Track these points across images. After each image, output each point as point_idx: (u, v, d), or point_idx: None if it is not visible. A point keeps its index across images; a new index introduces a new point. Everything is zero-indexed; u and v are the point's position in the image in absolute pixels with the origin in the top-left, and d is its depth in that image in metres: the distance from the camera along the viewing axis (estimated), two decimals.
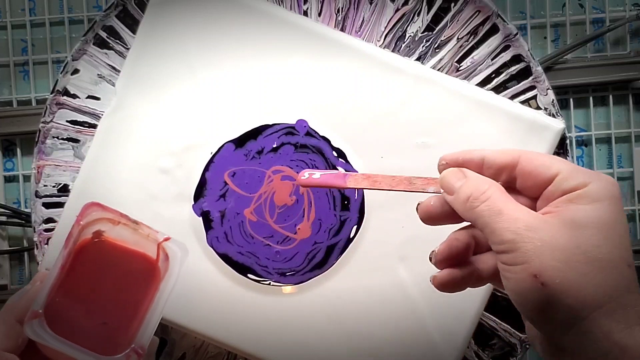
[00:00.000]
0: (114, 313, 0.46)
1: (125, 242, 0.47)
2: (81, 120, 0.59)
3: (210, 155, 0.56)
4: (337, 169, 0.56)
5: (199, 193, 0.56)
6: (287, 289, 0.55)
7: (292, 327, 0.55)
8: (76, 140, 0.58)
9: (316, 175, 0.45)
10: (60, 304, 0.44)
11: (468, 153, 0.40)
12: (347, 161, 0.56)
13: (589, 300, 0.34)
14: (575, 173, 0.37)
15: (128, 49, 0.58)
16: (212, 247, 0.55)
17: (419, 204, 0.41)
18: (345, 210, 0.56)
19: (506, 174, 0.39)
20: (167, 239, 0.47)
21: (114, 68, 0.58)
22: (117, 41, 0.58)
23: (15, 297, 0.45)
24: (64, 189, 0.58)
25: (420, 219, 0.41)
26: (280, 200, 0.55)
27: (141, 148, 0.56)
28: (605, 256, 0.35)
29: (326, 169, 0.56)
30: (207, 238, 0.55)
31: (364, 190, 0.56)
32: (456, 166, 0.40)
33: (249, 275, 0.55)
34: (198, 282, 0.55)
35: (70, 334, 0.43)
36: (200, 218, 0.55)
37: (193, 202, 0.56)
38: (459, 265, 0.40)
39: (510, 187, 0.39)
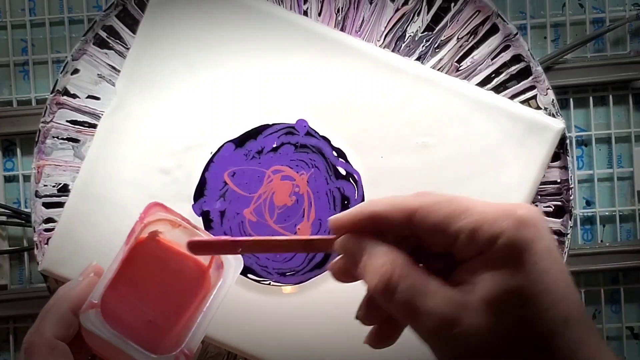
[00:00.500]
0: (161, 313, 0.46)
1: (179, 246, 0.47)
2: (81, 120, 0.58)
3: (210, 155, 0.56)
4: (338, 169, 0.56)
5: (198, 193, 0.56)
6: (287, 289, 0.55)
7: (292, 327, 0.55)
8: (76, 140, 0.58)
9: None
10: (112, 298, 0.44)
11: (357, 213, 0.34)
12: (347, 161, 0.56)
13: None
14: (478, 228, 0.31)
15: (128, 48, 0.57)
16: None
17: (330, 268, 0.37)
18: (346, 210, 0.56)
19: (407, 230, 0.33)
20: None
21: (114, 68, 0.58)
22: (117, 41, 0.58)
23: (67, 287, 0.45)
24: (64, 189, 0.58)
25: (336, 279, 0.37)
26: (280, 201, 0.55)
27: (141, 148, 0.56)
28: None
29: (326, 169, 0.56)
30: None
31: (364, 189, 0.56)
32: (349, 232, 0.35)
33: (249, 275, 0.55)
34: None
35: (119, 329, 0.43)
36: (200, 218, 0.55)
37: (193, 202, 0.56)
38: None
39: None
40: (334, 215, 0.35)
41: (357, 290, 0.54)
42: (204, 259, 0.47)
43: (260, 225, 0.55)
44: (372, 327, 0.37)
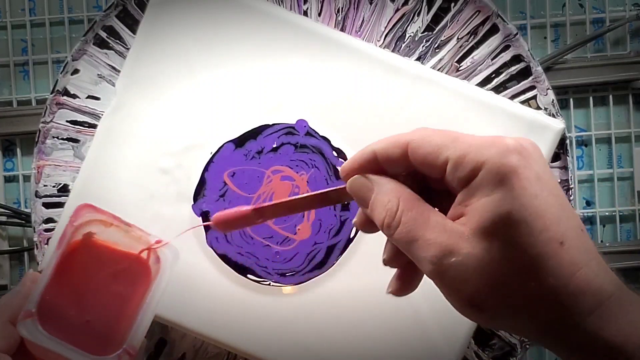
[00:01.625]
0: (104, 313, 0.46)
1: (116, 244, 0.47)
2: (81, 120, 0.58)
3: (210, 155, 0.56)
4: (338, 169, 0.56)
5: (198, 193, 0.56)
6: (287, 289, 0.55)
7: (292, 327, 0.55)
8: (76, 140, 0.58)
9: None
10: (52, 304, 0.44)
11: (360, 155, 0.36)
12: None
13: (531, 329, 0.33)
14: (464, 156, 0.32)
15: (128, 49, 0.58)
16: (211, 247, 0.55)
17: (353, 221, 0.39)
18: (346, 210, 0.56)
19: (407, 165, 0.35)
20: (159, 242, 0.47)
21: (114, 68, 0.58)
22: (117, 41, 0.58)
23: (6, 297, 0.45)
24: (64, 189, 0.58)
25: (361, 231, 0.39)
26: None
27: (141, 148, 0.56)
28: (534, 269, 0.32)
29: (326, 169, 0.56)
30: (206, 238, 0.55)
31: None
32: (357, 174, 0.36)
33: (249, 275, 0.55)
34: (198, 282, 0.55)
35: (61, 334, 0.43)
36: (200, 218, 0.55)
37: (193, 202, 0.56)
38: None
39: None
40: (343, 164, 0.37)
41: (357, 291, 0.55)
42: (142, 255, 0.47)
43: (259, 225, 0.55)
44: (393, 276, 0.39)
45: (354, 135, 0.56)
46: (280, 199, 0.41)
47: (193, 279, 0.55)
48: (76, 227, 0.46)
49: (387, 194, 0.35)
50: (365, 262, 0.55)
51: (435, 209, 0.34)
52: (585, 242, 0.33)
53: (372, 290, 0.55)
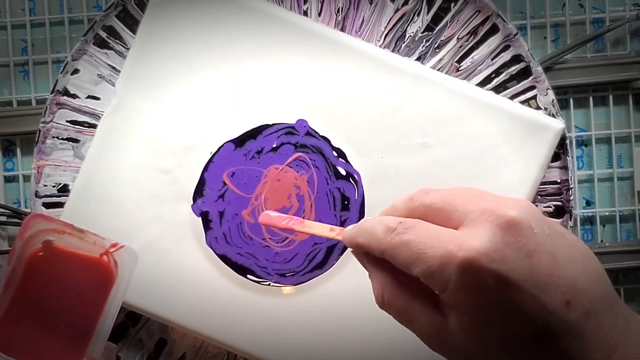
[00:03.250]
0: (71, 322, 0.45)
1: (76, 249, 0.46)
2: (81, 120, 0.58)
3: (210, 155, 0.56)
4: (338, 169, 0.56)
5: (198, 193, 0.56)
6: (287, 289, 0.55)
7: (292, 327, 0.55)
8: (76, 140, 0.58)
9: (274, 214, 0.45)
10: (14, 320, 0.43)
11: (350, 238, 0.38)
12: (347, 161, 0.56)
13: None
14: (431, 275, 0.32)
15: (128, 49, 0.57)
16: (211, 247, 0.55)
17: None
18: (345, 210, 0.56)
19: None
20: (114, 246, 0.46)
21: (114, 68, 0.58)
22: (117, 41, 0.58)
23: None
24: (64, 189, 0.58)
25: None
26: (279, 202, 0.55)
27: (141, 148, 0.56)
28: None
29: (326, 169, 0.56)
30: (206, 239, 0.55)
31: (364, 189, 0.56)
32: (353, 249, 0.38)
33: (249, 276, 0.55)
34: (198, 283, 0.55)
35: (21, 351, 0.42)
36: (200, 218, 0.55)
37: (192, 202, 0.55)
38: None
39: None
40: (346, 230, 0.38)
41: (357, 291, 0.54)
42: (104, 258, 0.45)
43: (259, 226, 0.55)
44: None
45: (354, 135, 0.56)
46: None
47: (193, 279, 0.55)
48: (26, 239, 0.44)
49: (375, 281, 0.36)
50: None
51: (414, 298, 0.35)
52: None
53: (372, 290, 0.54)
